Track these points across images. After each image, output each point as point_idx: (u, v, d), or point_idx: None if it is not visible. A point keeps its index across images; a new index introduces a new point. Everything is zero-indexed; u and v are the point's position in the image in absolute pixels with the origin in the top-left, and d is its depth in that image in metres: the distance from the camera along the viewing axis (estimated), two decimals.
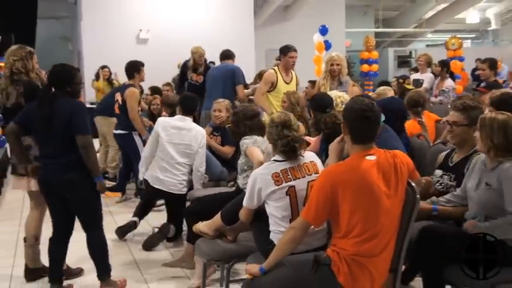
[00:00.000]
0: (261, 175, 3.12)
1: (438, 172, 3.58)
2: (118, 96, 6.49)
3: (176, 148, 4.86)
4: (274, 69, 6.36)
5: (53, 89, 3.73)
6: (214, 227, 3.61)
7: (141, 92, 7.43)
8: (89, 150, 3.69)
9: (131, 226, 5.27)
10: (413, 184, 2.78)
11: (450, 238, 3.04)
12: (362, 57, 15.55)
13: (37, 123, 3.68)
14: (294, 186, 3.07)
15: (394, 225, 2.73)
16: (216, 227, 3.60)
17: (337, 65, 6.28)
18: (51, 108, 3.64)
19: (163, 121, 5.03)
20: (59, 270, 3.96)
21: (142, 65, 6.51)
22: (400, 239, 2.75)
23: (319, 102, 4.44)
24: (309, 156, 3.25)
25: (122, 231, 5.26)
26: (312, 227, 2.86)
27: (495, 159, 3.03)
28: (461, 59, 13.10)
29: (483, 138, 3.06)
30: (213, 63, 8.72)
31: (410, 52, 20.49)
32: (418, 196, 2.75)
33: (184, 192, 4.94)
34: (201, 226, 3.67)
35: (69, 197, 3.75)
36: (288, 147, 3.13)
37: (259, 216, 3.22)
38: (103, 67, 11.52)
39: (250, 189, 3.16)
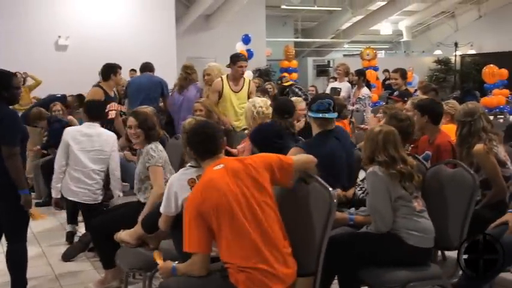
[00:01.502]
0: (177, 180, 3.15)
1: (362, 174, 3.71)
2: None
3: (88, 155, 4.75)
4: (222, 77, 6.25)
5: None
6: (135, 235, 3.56)
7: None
8: (12, 161, 3.55)
9: (76, 242, 5.07)
10: (329, 189, 2.82)
11: (358, 242, 3.21)
12: (282, 66, 15.80)
13: None
14: None
15: (272, 230, 2.71)
16: (138, 235, 3.55)
17: (208, 74, 6.43)
18: None
19: (71, 130, 4.90)
20: None
21: (120, 67, 6.41)
22: (318, 245, 2.79)
23: (281, 107, 4.49)
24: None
25: (70, 253, 4.99)
26: None
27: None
28: (375, 69, 13.63)
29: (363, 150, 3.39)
30: (134, 70, 8.61)
31: (329, 61, 21.04)
32: (334, 201, 2.79)
33: (100, 201, 4.83)
34: (123, 235, 3.61)
35: None
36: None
37: (179, 223, 3.20)
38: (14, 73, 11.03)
39: (167, 195, 3.16)
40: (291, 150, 3.77)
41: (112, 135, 4.93)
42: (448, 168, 3.46)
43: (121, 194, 4.81)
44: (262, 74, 15.78)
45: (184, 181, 3.12)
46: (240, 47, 12.11)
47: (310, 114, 3.88)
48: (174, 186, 3.14)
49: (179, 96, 6.60)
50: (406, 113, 4.06)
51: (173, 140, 5.43)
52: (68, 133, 4.84)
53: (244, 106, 5.39)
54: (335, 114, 3.88)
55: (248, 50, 12.13)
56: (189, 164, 3.24)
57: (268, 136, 4.26)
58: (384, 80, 14.66)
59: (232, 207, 2.66)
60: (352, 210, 3.53)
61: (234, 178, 2.72)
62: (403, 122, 3.75)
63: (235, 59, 6.23)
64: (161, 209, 3.21)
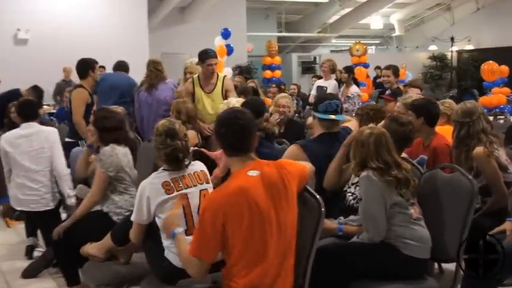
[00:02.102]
0: (150, 184, 3.16)
1: (355, 179, 3.65)
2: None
3: (29, 157, 4.74)
4: (193, 78, 6.15)
5: None
6: (104, 248, 3.53)
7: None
8: None
9: (38, 258, 5.00)
10: (317, 197, 2.85)
11: (349, 252, 3.21)
12: (264, 63, 15.82)
13: None
14: (186, 195, 3.15)
15: (289, 246, 2.76)
16: (107, 248, 3.53)
17: (190, 73, 6.42)
18: None
19: (6, 136, 4.89)
20: None
21: (96, 62, 6.38)
22: (305, 256, 2.81)
23: (250, 108, 4.38)
24: (198, 165, 3.35)
25: (32, 270, 4.88)
26: None
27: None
28: (366, 66, 13.71)
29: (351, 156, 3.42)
30: (103, 67, 8.55)
31: (315, 58, 21.09)
32: (322, 210, 2.81)
33: (53, 207, 4.79)
34: (90, 248, 3.59)
35: None
36: (170, 157, 3.19)
37: (152, 233, 3.19)
38: None
39: (139, 201, 3.17)
40: (289, 148, 3.80)
41: (52, 130, 4.93)
42: (444, 173, 3.50)
43: (71, 193, 4.76)
44: (243, 71, 15.79)
45: (158, 184, 3.14)
46: (218, 42, 12.11)
47: (316, 114, 3.91)
48: (147, 191, 3.15)
49: (148, 97, 6.40)
50: (407, 117, 4.03)
51: (146, 144, 5.38)
52: (3, 139, 4.83)
53: (221, 107, 5.33)
54: (343, 117, 3.95)
55: (227, 45, 12.14)
56: (162, 168, 3.25)
57: None
58: (375, 78, 14.77)
59: (262, 227, 2.66)
60: (341, 219, 3.53)
61: (269, 190, 2.70)
62: (405, 126, 3.71)
63: (204, 56, 6.03)
64: (132, 217, 3.21)
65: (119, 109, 5.18)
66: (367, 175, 3.22)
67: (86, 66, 6.27)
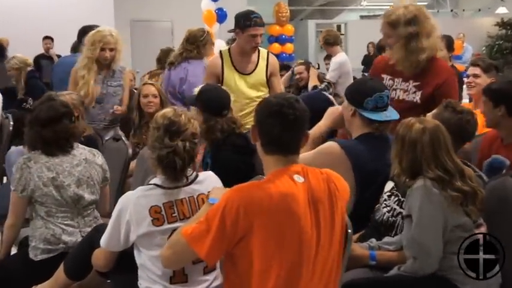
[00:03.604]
0: (134, 205, 3.11)
1: (389, 186, 3.66)
2: None
3: None
4: (221, 52, 5.86)
5: None
6: (57, 285, 3.57)
7: None
8: None
9: None
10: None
11: None
12: (271, 34, 15.79)
13: None
14: None
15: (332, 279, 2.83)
16: (60, 285, 3.56)
17: (111, 50, 6.19)
18: None
19: None
20: None
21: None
22: None
23: (213, 102, 4.37)
24: (209, 182, 3.28)
25: None
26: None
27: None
28: None
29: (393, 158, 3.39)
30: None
31: (339, 26, 21.08)
32: (350, 231, 2.86)
33: None
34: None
35: None
36: (165, 163, 3.14)
37: (124, 262, 3.23)
38: None
39: (114, 222, 3.15)
40: (326, 145, 3.76)
41: None
42: None
43: None
44: None
45: (144, 209, 3.10)
46: (206, 6, 12.07)
47: (362, 113, 3.81)
48: (128, 213, 3.10)
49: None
50: (465, 106, 4.02)
51: (118, 144, 5.36)
52: None
53: (260, 97, 5.25)
54: (397, 114, 3.87)
55: (219, 10, 12.08)
56: (153, 181, 3.21)
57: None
58: None
59: (299, 252, 2.70)
60: (373, 241, 3.53)
61: (314, 206, 2.76)
62: (462, 114, 3.72)
63: (244, 21, 5.58)
64: (102, 241, 3.22)
65: (67, 96, 5.08)
66: (425, 186, 3.19)
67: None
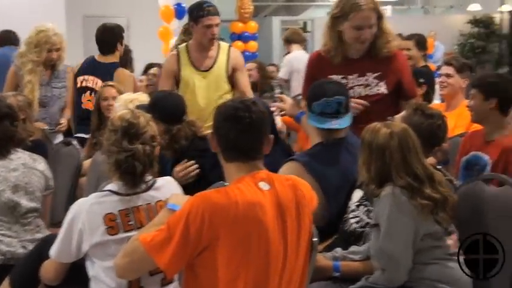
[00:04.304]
0: (87, 213, 3.08)
1: (357, 195, 3.66)
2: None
3: None
4: (178, 49, 5.70)
5: None
6: None
7: None
8: None
9: None
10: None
11: None
12: (234, 31, 15.78)
13: None
14: None
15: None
16: None
17: (57, 50, 6.17)
18: None
19: None
20: None
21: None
22: None
23: (171, 109, 4.31)
24: (167, 189, 3.25)
25: None
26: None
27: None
28: None
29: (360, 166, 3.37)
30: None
31: (305, 23, 21.15)
32: (315, 240, 2.86)
33: None
34: None
35: None
36: (123, 168, 3.10)
37: (75, 275, 3.21)
38: None
39: (66, 231, 3.11)
40: (286, 167, 3.74)
41: None
42: (489, 187, 3.53)
43: None
44: None
45: (99, 216, 3.06)
46: (164, 2, 12.02)
47: (309, 117, 3.85)
48: (80, 221, 3.07)
49: None
50: (436, 109, 4.01)
51: (69, 149, 5.31)
52: None
53: (224, 96, 5.23)
54: (349, 119, 3.86)
55: (177, 6, 12.04)
56: (108, 187, 3.18)
57: None
58: None
59: (266, 263, 2.69)
60: (338, 251, 3.52)
61: (281, 215, 2.74)
62: (433, 119, 3.71)
63: (196, 12, 5.46)
64: (52, 252, 3.18)
65: (15, 98, 5.02)
66: (393, 193, 3.19)
67: (114, 38, 6.62)
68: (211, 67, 5.52)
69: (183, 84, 5.46)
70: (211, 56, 5.55)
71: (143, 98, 4.87)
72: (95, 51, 6.69)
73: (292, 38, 9.90)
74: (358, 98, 4.31)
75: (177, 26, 11.81)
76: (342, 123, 3.80)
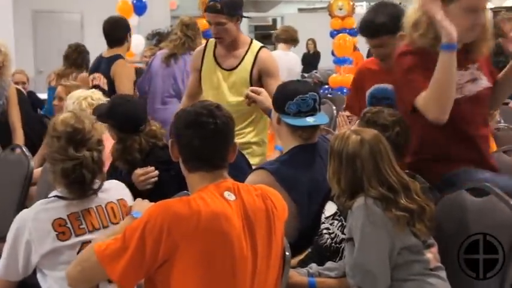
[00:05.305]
0: (33, 221, 3.06)
1: (331, 209, 3.62)
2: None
3: None
4: (208, 41, 5.39)
5: None
6: None
7: None
8: None
9: None
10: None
11: None
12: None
13: None
14: (90, 242, 3.01)
15: None
16: None
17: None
18: None
19: None
20: None
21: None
22: None
23: (128, 117, 4.22)
24: (115, 190, 3.28)
25: None
26: None
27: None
28: (352, 33, 13.75)
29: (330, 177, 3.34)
30: None
31: (274, 20, 21.25)
32: (288, 254, 2.87)
33: None
34: None
35: None
36: (70, 177, 3.08)
37: None
38: None
39: (11, 246, 3.09)
40: (254, 177, 3.72)
41: None
42: (471, 196, 3.53)
43: None
44: (164, 41, 15.73)
45: (47, 223, 3.04)
46: None
47: (284, 119, 3.79)
48: (27, 232, 3.05)
49: (164, 69, 7.00)
50: (390, 116, 3.81)
51: (17, 156, 5.25)
52: None
53: (241, 104, 4.75)
54: (325, 117, 3.86)
55: (137, 1, 12.04)
56: (54, 193, 3.17)
57: None
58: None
59: (233, 270, 2.68)
60: (313, 267, 3.50)
61: (249, 227, 2.75)
62: (390, 131, 3.64)
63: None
64: None
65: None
66: (366, 204, 3.17)
67: (120, 30, 6.79)
68: (235, 67, 5.11)
69: (203, 81, 5.21)
70: (238, 55, 5.13)
71: (97, 95, 4.93)
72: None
73: (279, 37, 9.79)
74: (469, 98, 3.74)
75: (137, 22, 11.79)
76: (321, 119, 3.80)
